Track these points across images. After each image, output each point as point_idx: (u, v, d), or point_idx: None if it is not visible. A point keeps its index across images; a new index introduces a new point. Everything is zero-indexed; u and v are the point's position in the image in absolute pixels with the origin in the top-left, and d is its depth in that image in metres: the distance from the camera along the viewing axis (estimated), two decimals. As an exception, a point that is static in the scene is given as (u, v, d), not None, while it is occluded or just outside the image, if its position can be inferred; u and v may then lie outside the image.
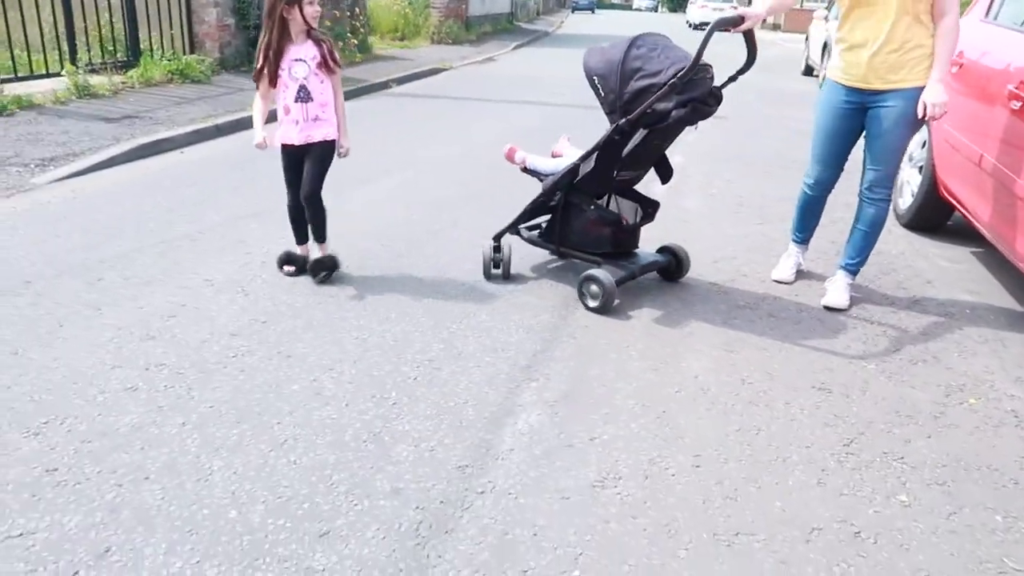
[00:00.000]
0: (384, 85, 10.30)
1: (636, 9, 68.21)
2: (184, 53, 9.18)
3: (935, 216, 4.49)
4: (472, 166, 5.91)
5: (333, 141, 3.41)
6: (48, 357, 2.73)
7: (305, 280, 3.52)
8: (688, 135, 6.33)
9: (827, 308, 3.44)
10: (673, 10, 64.65)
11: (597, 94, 3.19)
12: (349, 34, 12.46)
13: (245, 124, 7.06)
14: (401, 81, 10.81)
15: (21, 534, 1.88)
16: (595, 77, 3.16)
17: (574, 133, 4.11)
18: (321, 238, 3.53)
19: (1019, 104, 3.17)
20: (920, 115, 3.13)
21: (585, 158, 3.32)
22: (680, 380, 2.75)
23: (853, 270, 3.53)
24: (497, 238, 3.61)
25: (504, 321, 3.18)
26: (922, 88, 3.13)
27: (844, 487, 2.19)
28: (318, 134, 3.35)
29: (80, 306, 3.16)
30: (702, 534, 1.98)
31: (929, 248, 4.35)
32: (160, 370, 2.69)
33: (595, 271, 3.28)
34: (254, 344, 2.91)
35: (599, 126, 3.38)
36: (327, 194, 3.47)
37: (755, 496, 2.13)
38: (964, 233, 4.52)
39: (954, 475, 2.27)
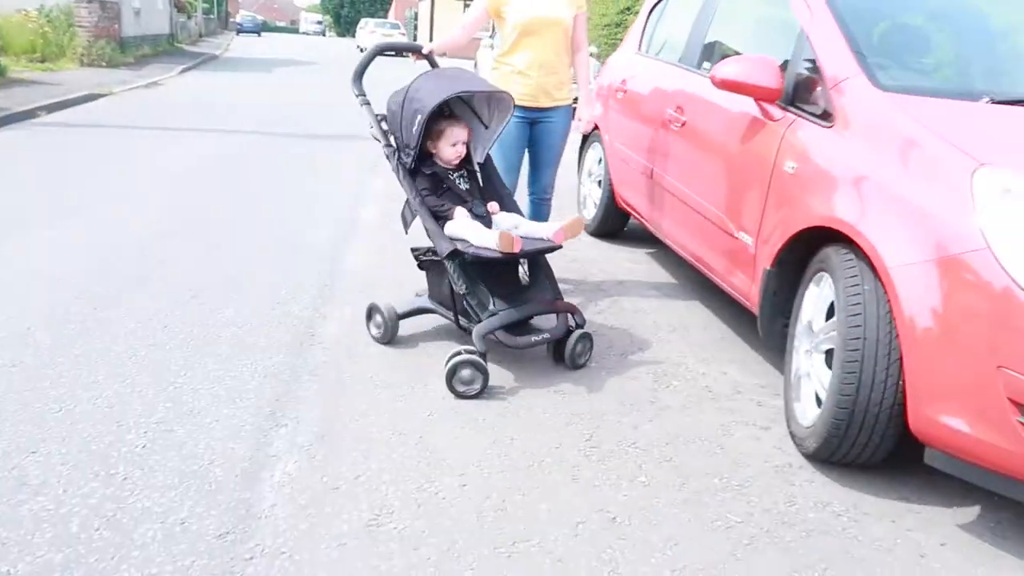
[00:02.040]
0: (30, 114, 8.99)
1: (304, 33, 67.52)
2: None
3: (615, 224, 5.09)
4: (165, 199, 5.40)
5: None
6: None
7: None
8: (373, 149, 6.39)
9: None
10: (341, 35, 65.12)
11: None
12: (-25, 54, 10.66)
13: None
14: (52, 109, 9.51)
15: None
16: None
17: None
18: None
19: (679, 125, 3.73)
20: (583, 129, 4.05)
21: None
22: (430, 403, 2.79)
23: None
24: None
25: (236, 367, 2.96)
26: (570, 105, 3.85)
27: (595, 479, 2.39)
28: None
29: None
30: (483, 550, 2.03)
31: (615, 253, 4.92)
32: None
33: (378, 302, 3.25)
34: (-82, 437, 2.37)
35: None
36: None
37: (522, 503, 2.24)
38: (640, 237, 5.18)
39: (676, 451, 2.60)
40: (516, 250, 2.90)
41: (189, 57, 20.99)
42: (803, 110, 2.84)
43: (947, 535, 2.26)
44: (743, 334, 3.67)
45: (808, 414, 2.56)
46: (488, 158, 3.42)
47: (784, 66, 3.00)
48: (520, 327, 3.08)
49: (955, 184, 2.13)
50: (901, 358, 2.18)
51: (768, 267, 2.85)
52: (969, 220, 2.06)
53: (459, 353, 2.84)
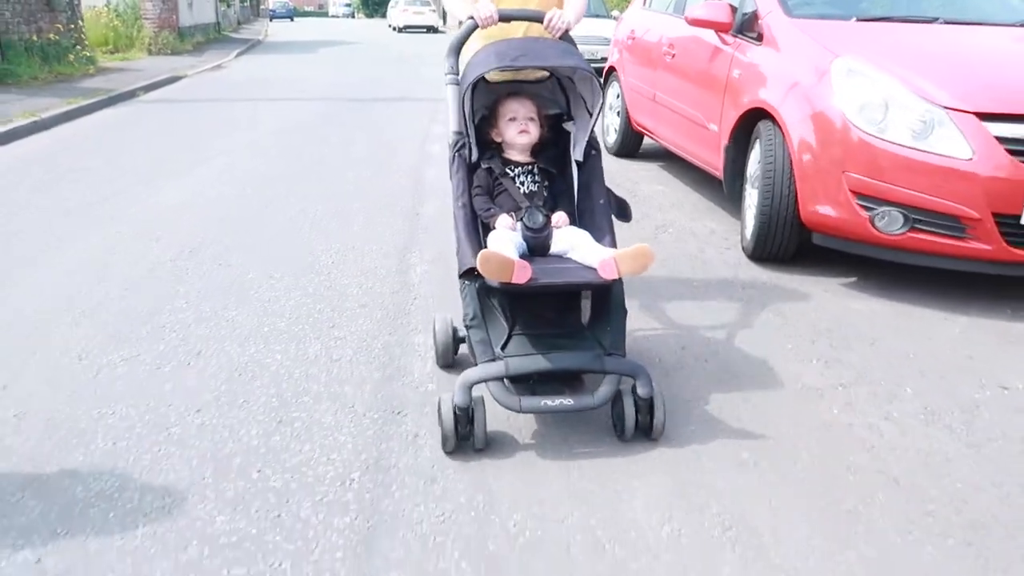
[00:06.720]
0: (132, 94, 10.58)
1: (333, 16, 69.06)
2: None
3: (632, 145, 6.49)
4: (272, 150, 6.91)
5: None
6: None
7: (228, 216, 4.49)
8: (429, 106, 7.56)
9: None
10: (370, 15, 66.31)
11: None
12: (77, 46, 12.32)
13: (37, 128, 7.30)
14: (147, 89, 11.11)
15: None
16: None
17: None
18: None
19: (670, 58, 5.13)
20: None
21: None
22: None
23: None
24: None
25: (366, 240, 4.46)
26: None
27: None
28: None
29: (36, 251, 3.88)
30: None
31: (632, 167, 6.33)
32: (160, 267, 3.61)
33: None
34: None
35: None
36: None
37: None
38: (652, 155, 6.58)
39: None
40: (518, 281, 2.12)
41: (238, 43, 22.60)
42: (746, 35, 4.23)
43: None
44: (720, 203, 5.08)
45: (748, 229, 3.97)
46: (594, 157, 2.70)
47: (735, 8, 4.39)
48: (546, 381, 2.33)
49: (823, 70, 3.53)
50: (794, 178, 3.58)
51: (726, 143, 4.25)
52: (829, 89, 3.45)
53: (445, 399, 2.21)
